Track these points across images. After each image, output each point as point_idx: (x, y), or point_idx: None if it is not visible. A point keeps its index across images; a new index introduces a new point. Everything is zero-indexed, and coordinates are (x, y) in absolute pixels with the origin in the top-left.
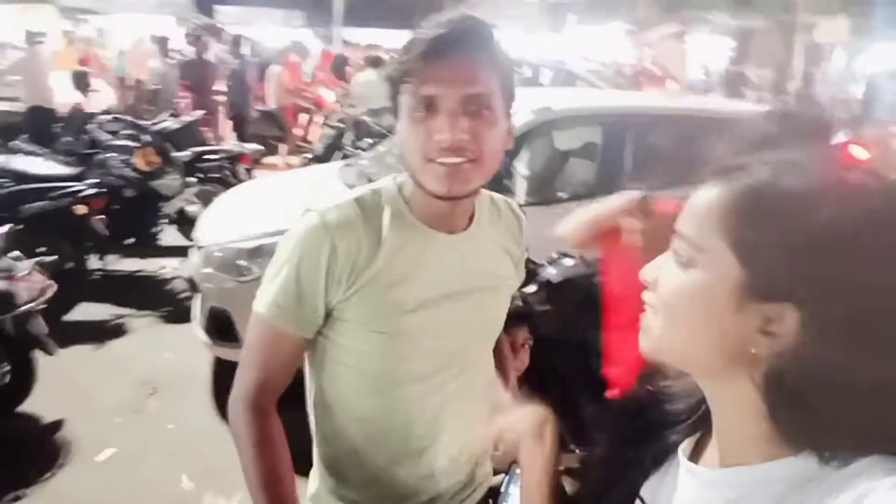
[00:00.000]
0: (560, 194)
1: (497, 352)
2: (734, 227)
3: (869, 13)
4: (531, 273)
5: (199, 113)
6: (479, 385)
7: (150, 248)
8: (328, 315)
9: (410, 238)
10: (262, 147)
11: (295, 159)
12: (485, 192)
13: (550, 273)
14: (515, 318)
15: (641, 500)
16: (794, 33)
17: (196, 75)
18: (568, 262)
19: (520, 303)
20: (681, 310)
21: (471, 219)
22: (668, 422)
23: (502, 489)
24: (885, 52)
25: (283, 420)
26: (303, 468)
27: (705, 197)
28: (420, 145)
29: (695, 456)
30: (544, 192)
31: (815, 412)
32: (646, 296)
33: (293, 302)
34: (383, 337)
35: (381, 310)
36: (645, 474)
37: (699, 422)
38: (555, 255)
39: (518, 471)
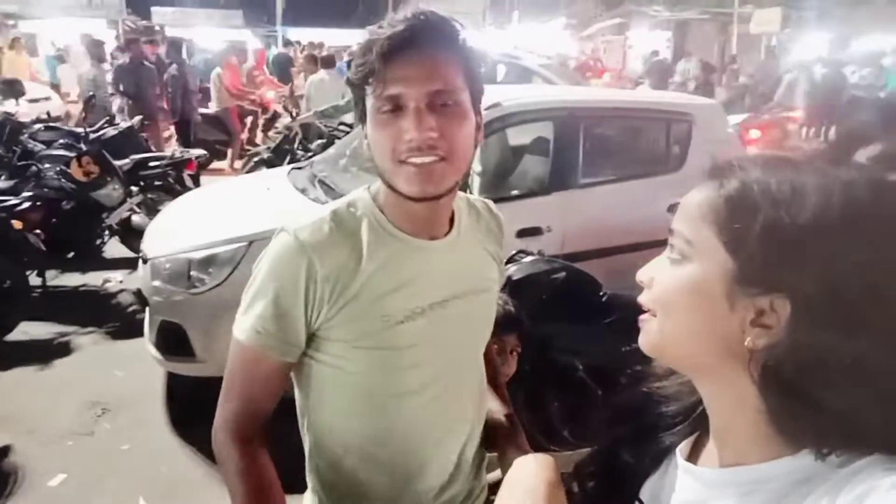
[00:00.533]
0: (514, 191)
1: (485, 358)
2: (723, 220)
3: (800, 5)
4: None
5: (137, 119)
6: (475, 392)
7: (92, 261)
8: (313, 336)
9: (392, 248)
10: (206, 152)
11: (242, 163)
12: (461, 194)
13: (511, 271)
14: (505, 324)
15: (640, 501)
16: (730, 24)
17: (133, 80)
18: (528, 259)
19: (511, 308)
20: (675, 305)
21: (451, 223)
22: (665, 423)
23: None
24: (814, 42)
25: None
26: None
27: (698, 195)
28: (389, 147)
29: (692, 456)
30: (498, 189)
31: (813, 406)
32: (642, 297)
33: (273, 326)
34: (372, 353)
35: (367, 325)
36: (643, 476)
37: (696, 422)
38: (513, 253)
39: None
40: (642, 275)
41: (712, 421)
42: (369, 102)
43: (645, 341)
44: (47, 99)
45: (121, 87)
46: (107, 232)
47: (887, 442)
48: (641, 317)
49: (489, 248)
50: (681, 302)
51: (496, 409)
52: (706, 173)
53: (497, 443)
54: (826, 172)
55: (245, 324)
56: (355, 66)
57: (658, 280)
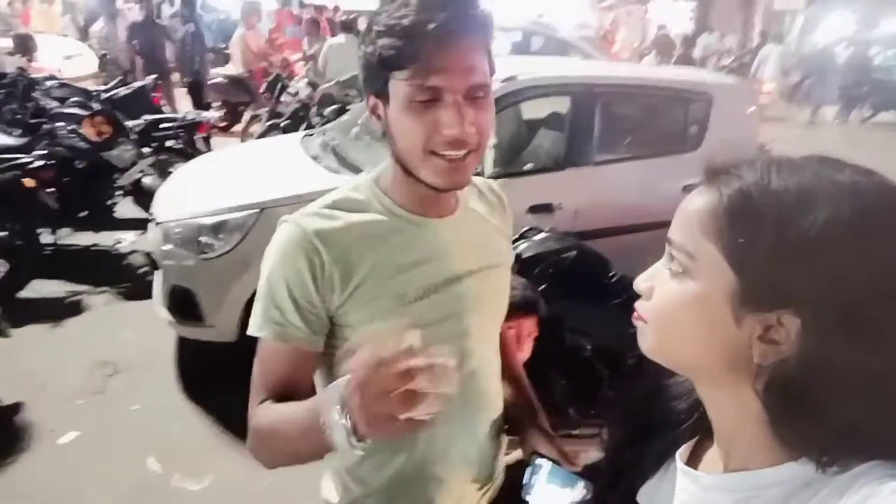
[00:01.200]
0: (527, 166)
1: (500, 342)
2: (725, 233)
3: None
4: None
5: (151, 78)
6: (495, 369)
7: (104, 221)
8: (331, 323)
9: (400, 228)
10: (219, 114)
11: (257, 127)
12: None
13: (521, 248)
14: (522, 308)
15: None
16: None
17: (146, 39)
18: (539, 236)
19: (529, 293)
20: (672, 321)
21: (456, 200)
22: (664, 426)
23: (525, 480)
24: (839, 21)
25: None
26: None
27: (695, 202)
28: (422, 138)
29: (692, 460)
30: (511, 163)
31: (818, 419)
32: (639, 305)
33: (295, 317)
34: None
35: (382, 305)
36: (641, 479)
37: (696, 426)
38: (525, 230)
39: (539, 462)
40: (642, 284)
41: (714, 425)
42: (399, 87)
43: (643, 346)
44: (81, 55)
45: (135, 45)
46: (119, 192)
47: (889, 450)
48: (636, 321)
49: (496, 223)
50: (682, 317)
51: (512, 392)
52: (703, 177)
53: (518, 425)
54: (829, 176)
55: (265, 321)
56: (382, 47)
57: (659, 292)
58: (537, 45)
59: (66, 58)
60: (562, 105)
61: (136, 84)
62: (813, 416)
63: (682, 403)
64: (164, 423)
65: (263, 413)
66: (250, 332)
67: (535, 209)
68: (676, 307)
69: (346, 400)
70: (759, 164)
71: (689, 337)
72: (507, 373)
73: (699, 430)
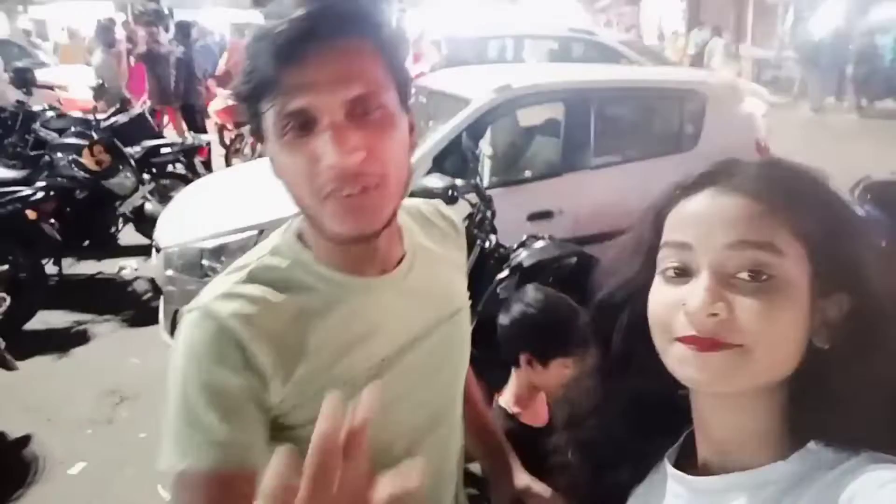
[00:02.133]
0: (525, 174)
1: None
2: (796, 217)
3: None
4: (502, 258)
5: (147, 105)
6: (459, 428)
7: (107, 249)
8: (274, 426)
9: (336, 298)
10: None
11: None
12: (405, 203)
13: (522, 257)
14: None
15: None
16: None
17: (150, 67)
18: (539, 244)
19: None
20: (781, 334)
21: (399, 244)
22: (647, 431)
23: None
24: (831, 12)
25: None
26: None
27: (738, 201)
28: (305, 179)
29: (680, 463)
30: (509, 173)
31: (849, 404)
32: (718, 333)
33: (226, 433)
34: None
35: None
36: (630, 484)
37: (683, 427)
38: (524, 238)
39: None
40: (714, 308)
41: (706, 430)
42: (268, 120)
43: (721, 378)
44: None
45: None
46: (121, 220)
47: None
48: (707, 350)
49: (452, 258)
50: (782, 327)
51: (481, 445)
52: (697, 183)
53: (494, 484)
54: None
55: (187, 447)
56: (243, 74)
57: (745, 312)
58: (578, 52)
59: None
60: (557, 111)
61: (135, 111)
62: (843, 401)
63: (669, 404)
64: None
65: None
66: (167, 467)
67: (534, 216)
68: (778, 318)
69: None
70: (758, 161)
71: (790, 346)
72: (475, 423)
73: (684, 429)
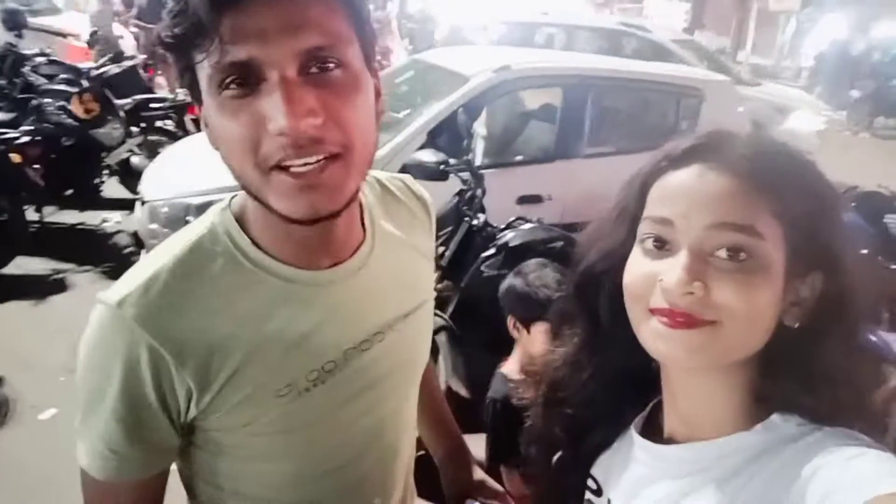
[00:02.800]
0: (517, 157)
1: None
2: (774, 199)
3: None
4: (489, 237)
5: (142, 57)
6: (412, 428)
7: (90, 200)
8: (188, 427)
9: (276, 292)
10: None
11: None
12: (369, 176)
13: (509, 237)
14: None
15: (594, 478)
16: (749, 0)
17: (149, 21)
18: (526, 226)
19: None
20: (755, 311)
21: (359, 228)
22: (618, 399)
23: None
24: (834, 23)
25: None
26: None
27: (720, 179)
28: (247, 147)
29: (646, 432)
30: (502, 154)
31: (810, 375)
32: (691, 308)
33: (126, 444)
34: (276, 437)
35: (262, 404)
36: (596, 453)
37: (649, 395)
38: (512, 220)
39: None
40: (689, 286)
41: (674, 401)
42: (202, 73)
43: (696, 354)
44: (120, 37)
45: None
46: (106, 171)
47: (851, 414)
48: (682, 326)
49: (418, 244)
50: (757, 305)
51: (438, 440)
52: (680, 156)
53: (450, 481)
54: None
55: (88, 448)
56: (169, 17)
57: (721, 289)
58: (629, 48)
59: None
60: (554, 97)
61: (127, 63)
62: (811, 377)
63: (644, 373)
64: None
65: None
66: (78, 459)
67: (524, 200)
68: (754, 296)
69: None
70: (741, 133)
71: (763, 323)
72: (432, 414)
73: (652, 398)
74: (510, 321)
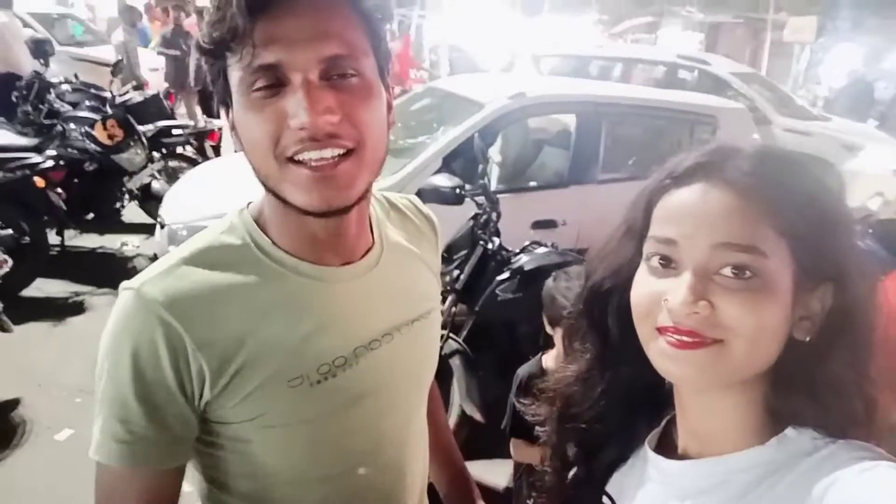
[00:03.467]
0: (532, 182)
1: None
2: (778, 216)
3: (835, 15)
4: (504, 261)
5: (164, 87)
6: (423, 444)
7: (111, 224)
8: (201, 421)
9: (291, 287)
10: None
11: None
12: (378, 194)
13: (523, 261)
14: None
15: (608, 496)
16: (763, 31)
17: (175, 48)
18: (541, 250)
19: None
20: (762, 329)
21: (369, 234)
22: (631, 415)
23: None
24: (847, 53)
25: None
26: None
27: (724, 197)
28: (269, 140)
29: (661, 447)
30: (517, 180)
31: (823, 389)
32: (698, 327)
33: (146, 427)
34: (287, 430)
35: (273, 396)
36: (610, 470)
37: (664, 412)
38: (527, 244)
39: None
40: (694, 306)
41: (687, 417)
42: (234, 76)
43: (701, 373)
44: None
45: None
46: (127, 196)
47: (863, 427)
48: (688, 346)
49: (425, 257)
50: (764, 322)
51: (442, 468)
52: (685, 173)
53: None
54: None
55: (106, 433)
56: (208, 25)
57: (726, 307)
58: (688, 81)
59: (151, 70)
60: (569, 123)
61: (150, 91)
62: (824, 390)
63: (650, 390)
64: None
65: None
66: (96, 456)
67: (538, 225)
68: (759, 314)
69: None
70: (746, 148)
71: (770, 341)
72: (436, 442)
73: (666, 414)
74: (545, 318)
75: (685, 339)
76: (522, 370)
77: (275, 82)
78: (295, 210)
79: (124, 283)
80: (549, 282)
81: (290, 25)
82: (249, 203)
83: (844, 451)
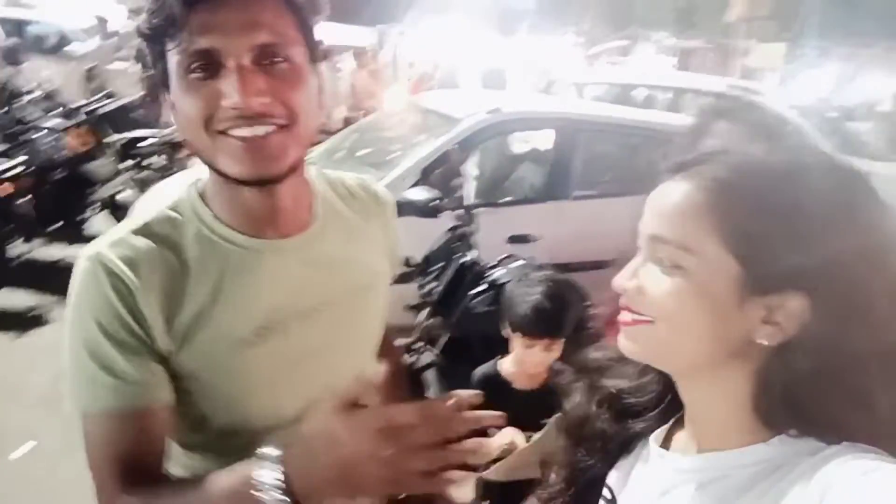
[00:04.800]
0: (508, 197)
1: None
2: (724, 223)
3: (804, 43)
4: (479, 274)
5: (138, 94)
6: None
7: (78, 234)
8: (170, 369)
9: (229, 257)
10: None
11: None
12: (326, 172)
13: (497, 275)
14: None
15: (609, 488)
16: (734, 57)
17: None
18: (516, 264)
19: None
20: (680, 314)
21: (310, 209)
22: (635, 411)
23: None
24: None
25: None
26: None
27: (676, 195)
28: (200, 113)
29: (665, 442)
30: (494, 194)
31: (814, 397)
32: (630, 303)
33: (126, 365)
34: (223, 387)
35: (219, 350)
36: (611, 463)
37: (668, 410)
38: (502, 257)
39: None
40: (628, 283)
41: (689, 411)
42: (172, 60)
43: (639, 349)
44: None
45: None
46: (98, 204)
47: (865, 432)
48: (628, 323)
49: (372, 234)
50: (686, 311)
51: None
52: (673, 168)
53: None
54: (805, 156)
55: (94, 386)
56: (148, 12)
57: (653, 289)
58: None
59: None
60: (545, 139)
61: (123, 100)
62: (816, 391)
63: (653, 390)
64: None
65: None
66: (80, 407)
67: (514, 239)
68: (679, 301)
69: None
70: (733, 151)
71: (695, 331)
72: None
73: (672, 412)
74: (505, 321)
75: (625, 315)
76: (479, 371)
77: (210, 66)
78: (231, 181)
79: (82, 253)
80: (511, 286)
81: (224, 15)
82: (199, 180)
83: (847, 452)
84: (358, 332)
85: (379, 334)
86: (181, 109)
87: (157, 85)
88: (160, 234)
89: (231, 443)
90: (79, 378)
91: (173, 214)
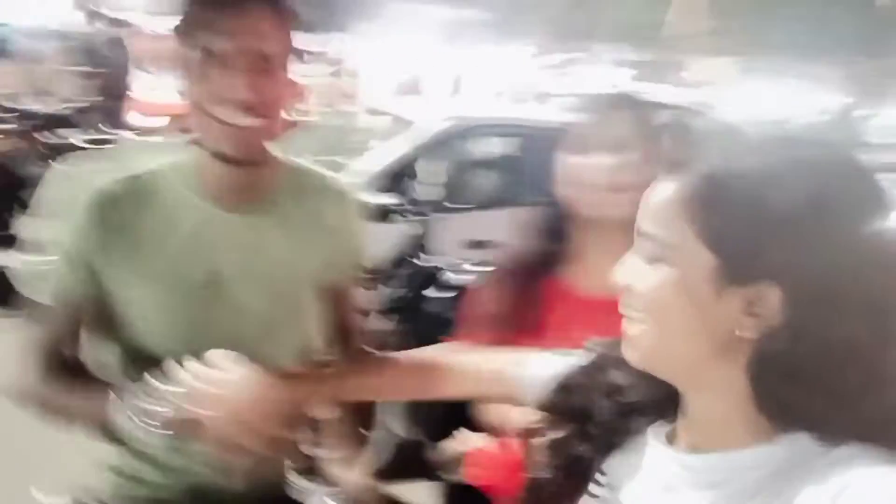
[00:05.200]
0: (467, 203)
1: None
2: (698, 216)
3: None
4: (431, 276)
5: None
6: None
7: (6, 240)
8: (102, 288)
9: (190, 214)
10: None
11: None
12: (297, 165)
13: (451, 278)
14: None
15: (602, 473)
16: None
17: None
18: (470, 268)
19: None
20: (664, 309)
21: (259, 193)
22: (634, 406)
23: None
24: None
25: None
26: None
27: (662, 192)
28: (206, 101)
29: (668, 437)
30: (451, 199)
31: (807, 389)
32: (624, 304)
33: (67, 268)
34: (156, 318)
35: (165, 280)
36: (606, 451)
37: (668, 406)
38: (458, 262)
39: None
40: (619, 278)
41: (690, 409)
42: (192, 56)
43: (638, 354)
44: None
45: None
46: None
47: (871, 429)
48: (626, 333)
49: (318, 229)
50: (669, 306)
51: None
52: (666, 169)
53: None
54: (790, 153)
55: (55, 276)
56: (185, 13)
57: (638, 286)
58: None
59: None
60: (502, 146)
61: (78, 104)
62: (802, 386)
63: (653, 385)
64: (50, 453)
65: (50, 378)
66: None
67: (472, 244)
68: (661, 295)
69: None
70: (722, 149)
71: (681, 325)
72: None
73: (672, 409)
74: None
75: (623, 324)
76: None
77: (220, 65)
78: (216, 158)
79: (65, 171)
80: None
81: (250, 23)
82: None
83: (861, 454)
84: (283, 328)
85: (298, 340)
86: (189, 94)
87: (112, 86)
88: (141, 185)
89: (135, 355)
90: (55, 270)
91: (164, 170)
